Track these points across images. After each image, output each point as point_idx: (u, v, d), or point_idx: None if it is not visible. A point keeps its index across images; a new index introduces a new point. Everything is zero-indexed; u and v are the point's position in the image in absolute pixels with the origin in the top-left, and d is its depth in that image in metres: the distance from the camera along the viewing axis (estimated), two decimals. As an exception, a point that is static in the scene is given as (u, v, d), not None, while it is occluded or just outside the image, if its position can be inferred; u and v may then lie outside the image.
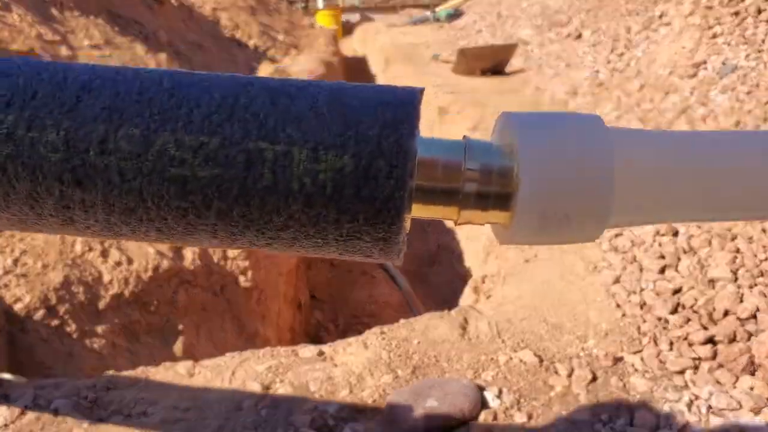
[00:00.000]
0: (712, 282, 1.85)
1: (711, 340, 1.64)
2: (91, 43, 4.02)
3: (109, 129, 0.32)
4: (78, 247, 2.25)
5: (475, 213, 0.36)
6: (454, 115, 4.63)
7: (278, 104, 0.34)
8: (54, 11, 4.09)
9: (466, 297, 2.85)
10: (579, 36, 5.79)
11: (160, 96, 0.33)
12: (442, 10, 11.69)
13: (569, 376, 1.61)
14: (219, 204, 0.33)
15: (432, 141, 0.37)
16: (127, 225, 0.34)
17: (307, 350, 1.78)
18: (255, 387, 1.61)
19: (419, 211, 0.36)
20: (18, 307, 2.01)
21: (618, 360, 1.66)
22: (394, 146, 0.33)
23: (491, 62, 5.93)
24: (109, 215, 0.34)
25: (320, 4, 15.12)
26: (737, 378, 1.54)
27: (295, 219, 0.33)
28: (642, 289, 1.92)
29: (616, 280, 2.01)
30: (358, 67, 10.11)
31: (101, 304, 2.17)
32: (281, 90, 0.35)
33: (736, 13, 3.55)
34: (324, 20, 12.66)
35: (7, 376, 1.72)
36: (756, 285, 1.77)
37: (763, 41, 3.25)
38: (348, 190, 0.32)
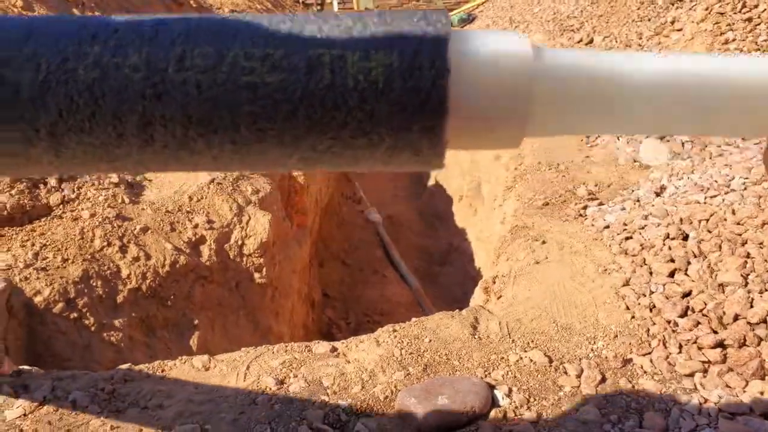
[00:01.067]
0: (722, 286, 1.86)
1: (721, 344, 1.64)
2: (111, 43, 4.07)
3: (186, 48, 0.37)
4: (97, 242, 2.29)
5: None
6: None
7: (329, 22, 0.39)
8: (75, 11, 4.15)
9: (477, 297, 2.87)
10: (591, 41, 5.79)
11: (226, 26, 0.38)
12: (454, 14, 11.71)
13: (578, 376, 1.62)
14: (286, 106, 0.37)
15: None
16: (203, 138, 0.38)
17: (321, 346, 1.81)
18: (269, 382, 1.64)
19: None
20: (37, 300, 2.05)
21: (627, 362, 1.67)
22: (433, 43, 0.37)
23: (503, 66, 5.93)
24: (187, 128, 0.37)
25: (335, 7, 15.16)
26: (747, 382, 1.54)
27: (352, 115, 0.37)
28: (652, 292, 1.93)
29: (626, 283, 2.02)
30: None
31: (119, 298, 2.21)
32: (330, 14, 0.40)
33: (749, 20, 3.55)
34: (337, 23, 12.68)
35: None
36: (766, 290, 1.78)
37: (777, 48, 3.25)
38: (397, 83, 0.37)
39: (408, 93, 0.37)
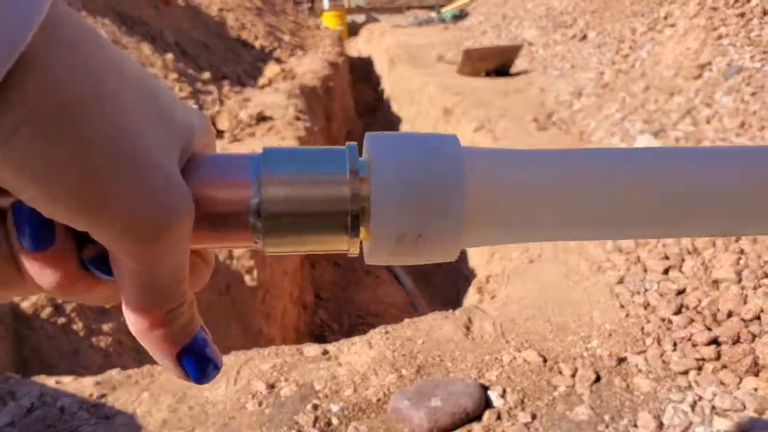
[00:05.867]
0: (716, 283, 1.85)
1: (715, 341, 1.64)
2: (98, 44, 4.02)
3: None
4: (85, 246, 2.26)
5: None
6: (458, 116, 4.63)
7: None
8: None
9: (471, 297, 2.86)
10: (584, 37, 5.78)
11: None
12: (447, 11, 11.70)
13: (573, 376, 1.61)
14: None
15: None
16: None
17: (312, 349, 1.79)
18: (260, 386, 1.62)
19: None
20: (25, 305, 2.02)
21: (622, 360, 1.66)
22: None
23: (496, 63, 5.93)
24: None
25: (326, 5, 15.14)
26: (741, 379, 1.53)
27: None
28: (646, 290, 1.92)
29: (620, 281, 2.01)
30: (363, 68, 10.12)
31: (107, 303, 2.18)
32: None
33: (742, 15, 3.54)
34: (330, 21, 12.68)
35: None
36: (760, 286, 1.77)
37: (769, 42, 3.24)
38: None
39: None
